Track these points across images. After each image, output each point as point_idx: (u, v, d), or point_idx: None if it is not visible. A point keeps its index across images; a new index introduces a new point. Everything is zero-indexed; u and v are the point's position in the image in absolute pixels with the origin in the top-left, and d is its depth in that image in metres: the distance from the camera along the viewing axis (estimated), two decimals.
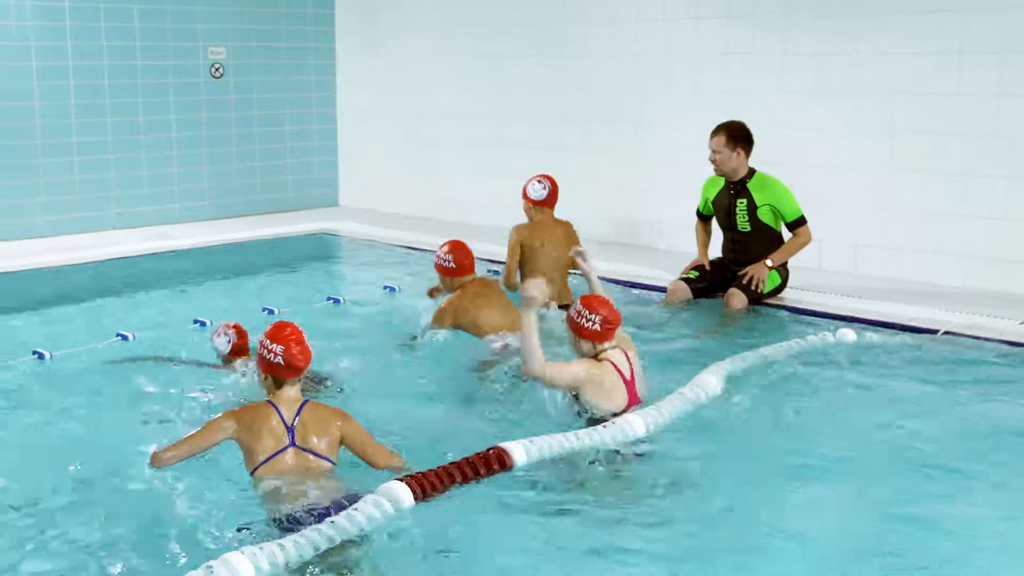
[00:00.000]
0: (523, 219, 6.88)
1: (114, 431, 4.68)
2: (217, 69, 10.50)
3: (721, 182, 7.10)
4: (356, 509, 3.70)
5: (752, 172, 6.99)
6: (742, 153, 6.94)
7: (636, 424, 4.50)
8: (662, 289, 7.38)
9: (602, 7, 9.20)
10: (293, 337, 4.04)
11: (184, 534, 3.74)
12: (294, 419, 4.01)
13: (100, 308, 7.15)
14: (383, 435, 4.35)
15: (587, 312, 4.62)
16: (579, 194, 9.55)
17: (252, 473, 3.98)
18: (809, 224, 6.95)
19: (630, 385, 4.67)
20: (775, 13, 8.15)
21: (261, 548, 3.38)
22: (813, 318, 6.67)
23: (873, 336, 6.13)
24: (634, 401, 4.68)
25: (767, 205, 6.91)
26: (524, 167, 9.92)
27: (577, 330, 4.66)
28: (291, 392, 4.07)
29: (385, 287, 7.41)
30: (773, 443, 4.70)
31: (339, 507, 3.76)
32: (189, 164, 10.44)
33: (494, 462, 4.15)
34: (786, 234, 7.02)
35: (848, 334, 6.02)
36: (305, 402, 4.09)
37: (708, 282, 7.17)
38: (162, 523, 3.82)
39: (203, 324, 6.35)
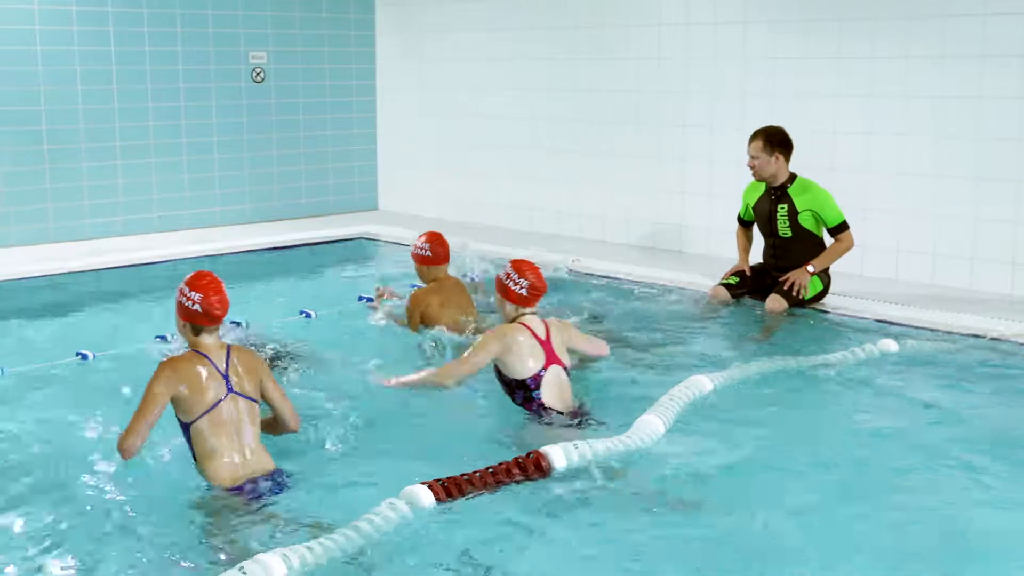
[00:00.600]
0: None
1: (155, 431, 4.71)
2: (258, 73, 10.57)
3: (762, 187, 7.03)
4: (380, 511, 3.72)
5: (793, 177, 6.92)
6: (780, 158, 6.86)
7: (654, 423, 4.55)
8: (694, 292, 7.35)
9: (638, 11, 9.16)
10: (212, 286, 4.10)
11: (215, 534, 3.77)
12: (226, 366, 4.11)
13: (142, 310, 7.20)
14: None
15: (516, 276, 4.79)
16: (611, 198, 9.53)
17: (189, 424, 4.04)
18: (851, 229, 6.87)
19: (546, 344, 4.76)
20: (818, 18, 8.08)
21: (292, 548, 3.42)
22: (855, 324, 6.59)
23: (915, 344, 6.03)
24: (552, 360, 4.75)
25: (808, 210, 6.84)
26: (563, 171, 9.93)
27: (504, 292, 4.83)
28: (211, 339, 4.14)
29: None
30: (810, 453, 4.64)
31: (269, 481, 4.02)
32: (230, 168, 10.52)
33: (531, 467, 4.13)
34: (828, 239, 6.95)
35: (890, 344, 5.94)
36: (230, 347, 4.19)
37: (749, 288, 7.11)
38: (194, 522, 3.86)
39: (238, 324, 6.40)
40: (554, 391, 4.76)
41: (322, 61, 11.06)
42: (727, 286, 7.12)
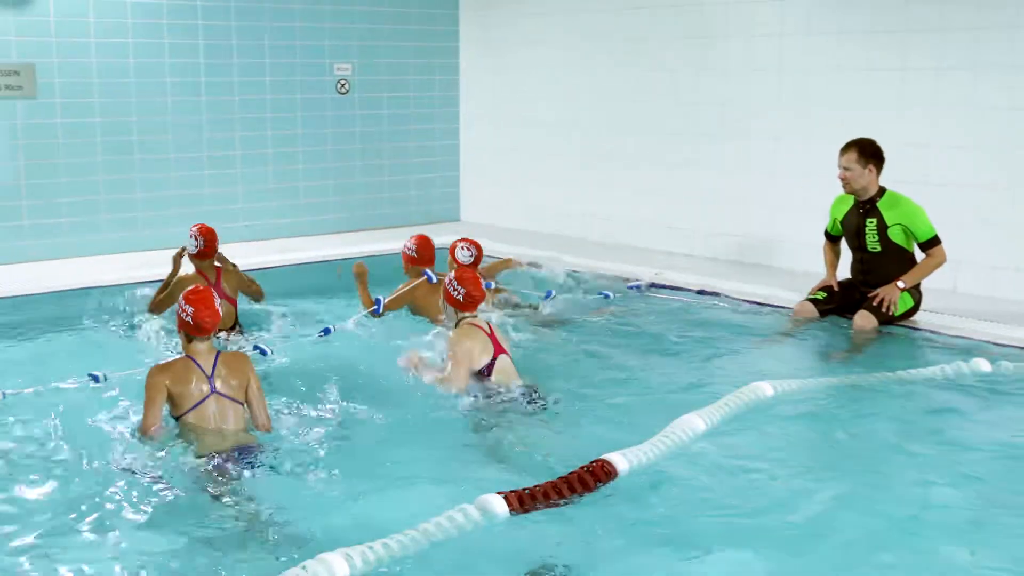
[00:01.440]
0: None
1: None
2: (343, 85, 10.68)
3: (850, 201, 6.87)
4: (449, 515, 3.74)
5: (882, 191, 6.75)
6: (874, 170, 6.71)
7: (696, 423, 4.75)
8: (779, 307, 7.21)
9: (728, 23, 9.04)
10: (204, 302, 4.62)
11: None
12: (212, 369, 4.62)
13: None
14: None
15: (456, 284, 5.51)
16: (694, 210, 9.41)
17: (178, 419, 4.57)
18: (943, 244, 6.67)
19: (492, 337, 5.46)
20: (918, 29, 7.88)
21: (354, 548, 3.45)
22: (946, 343, 6.40)
23: (1010, 365, 5.82)
24: (499, 351, 5.43)
25: (898, 224, 6.67)
26: (645, 183, 9.84)
27: (447, 297, 5.58)
28: (202, 346, 4.66)
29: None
30: (889, 474, 4.54)
31: (242, 452, 4.43)
32: (314, 178, 10.65)
33: (602, 476, 4.16)
34: (919, 254, 6.76)
35: (983, 364, 5.74)
36: (218, 353, 4.69)
37: (836, 303, 6.95)
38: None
39: (328, 331, 6.53)
40: (504, 376, 5.40)
41: (406, 73, 11.13)
42: (814, 301, 6.98)
